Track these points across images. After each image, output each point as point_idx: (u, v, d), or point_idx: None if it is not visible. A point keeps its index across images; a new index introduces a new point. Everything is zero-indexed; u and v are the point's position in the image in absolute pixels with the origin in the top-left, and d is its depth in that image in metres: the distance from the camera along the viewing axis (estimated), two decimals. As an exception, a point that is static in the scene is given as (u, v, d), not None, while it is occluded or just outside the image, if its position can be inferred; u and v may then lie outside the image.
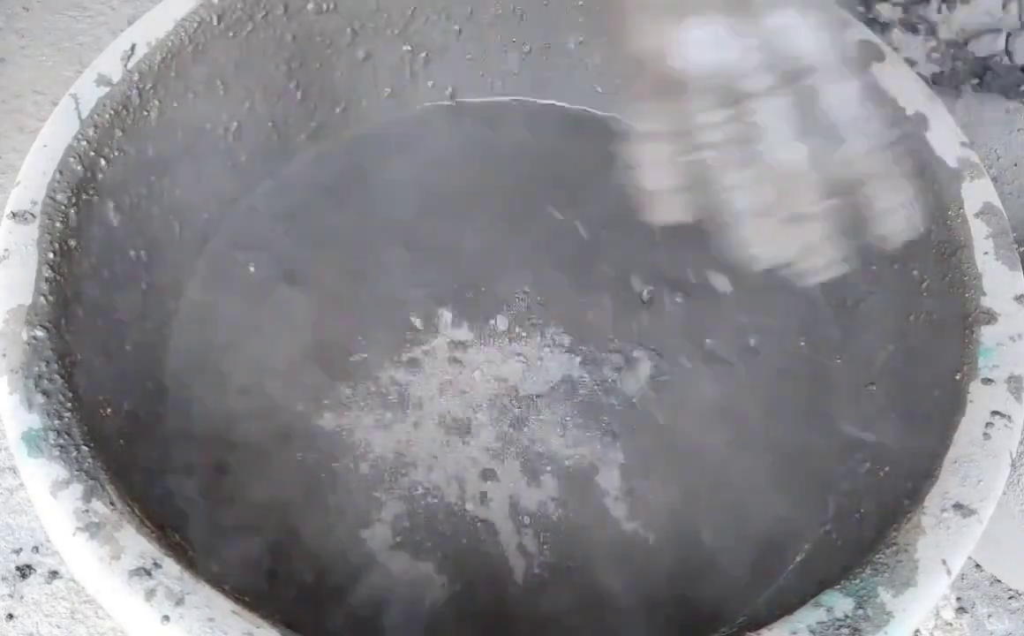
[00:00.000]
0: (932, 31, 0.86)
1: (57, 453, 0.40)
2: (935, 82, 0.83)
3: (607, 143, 0.62)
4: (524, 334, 0.58)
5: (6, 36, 0.84)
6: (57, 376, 0.43)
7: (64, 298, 0.46)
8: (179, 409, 0.54)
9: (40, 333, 0.44)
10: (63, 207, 0.48)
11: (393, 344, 0.57)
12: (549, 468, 0.53)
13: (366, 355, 0.57)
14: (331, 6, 0.61)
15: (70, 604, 0.56)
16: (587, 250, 0.62)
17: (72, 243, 0.48)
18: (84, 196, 0.49)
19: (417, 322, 0.58)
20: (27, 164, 0.49)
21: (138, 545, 0.38)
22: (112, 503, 0.39)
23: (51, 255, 0.46)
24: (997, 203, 0.51)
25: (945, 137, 0.53)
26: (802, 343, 0.58)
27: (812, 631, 0.38)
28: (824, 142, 0.40)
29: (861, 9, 0.90)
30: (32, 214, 0.47)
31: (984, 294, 0.48)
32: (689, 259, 0.61)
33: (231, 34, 0.57)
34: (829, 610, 0.38)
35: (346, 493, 0.52)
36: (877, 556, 0.40)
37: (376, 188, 0.64)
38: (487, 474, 0.53)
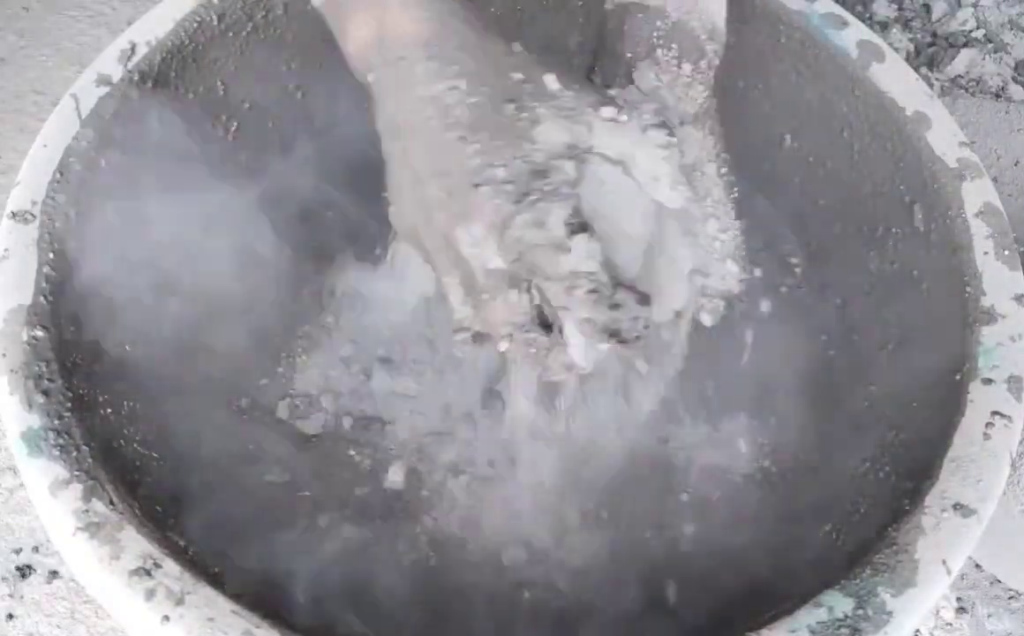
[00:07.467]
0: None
1: (57, 453, 0.40)
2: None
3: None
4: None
5: (6, 36, 0.84)
6: (57, 376, 0.43)
7: (64, 298, 0.46)
8: (179, 408, 0.54)
9: (40, 333, 0.43)
10: (63, 207, 0.48)
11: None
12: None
13: (367, 348, 0.57)
14: (331, 6, 0.61)
15: (70, 604, 0.56)
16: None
17: (72, 243, 0.48)
18: (84, 196, 0.49)
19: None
20: (27, 164, 0.49)
21: (138, 545, 0.38)
22: (112, 503, 0.39)
23: (51, 255, 0.46)
24: (997, 203, 0.51)
25: (945, 137, 0.53)
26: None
27: (812, 631, 0.38)
28: None
29: (860, 8, 0.90)
30: (32, 214, 0.47)
31: (984, 294, 0.48)
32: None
33: (231, 34, 0.57)
34: (829, 610, 0.38)
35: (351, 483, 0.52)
36: (877, 556, 0.40)
37: (376, 188, 0.64)
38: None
